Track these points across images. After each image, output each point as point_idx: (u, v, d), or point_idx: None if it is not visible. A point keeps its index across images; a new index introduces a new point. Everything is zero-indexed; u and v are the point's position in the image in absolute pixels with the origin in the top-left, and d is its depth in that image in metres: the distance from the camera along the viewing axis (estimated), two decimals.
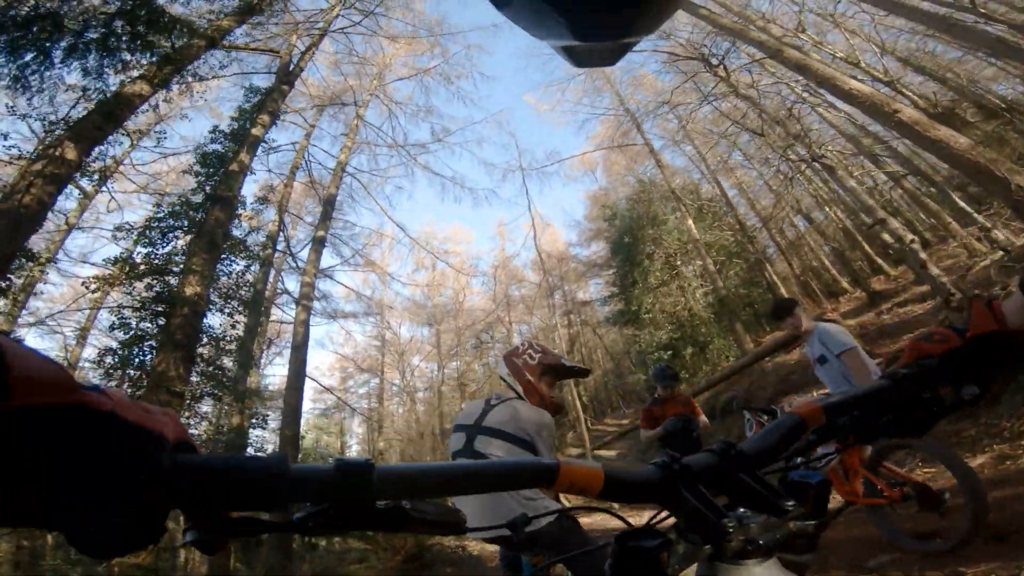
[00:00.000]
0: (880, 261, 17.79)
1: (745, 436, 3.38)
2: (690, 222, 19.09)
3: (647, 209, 21.55)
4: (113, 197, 10.42)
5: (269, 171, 14.02)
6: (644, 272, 20.53)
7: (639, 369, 24.45)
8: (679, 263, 20.76)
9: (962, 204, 13.96)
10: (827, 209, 20.36)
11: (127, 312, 6.80)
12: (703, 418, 4.39)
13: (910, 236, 9.52)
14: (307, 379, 12.93)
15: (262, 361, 18.35)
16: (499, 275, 26.68)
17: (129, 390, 6.39)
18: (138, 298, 6.90)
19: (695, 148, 21.16)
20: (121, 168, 11.69)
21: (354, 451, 32.18)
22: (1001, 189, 5.12)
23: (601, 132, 24.03)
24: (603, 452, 21.14)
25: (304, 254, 13.63)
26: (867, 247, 18.23)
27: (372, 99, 16.39)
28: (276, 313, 16.39)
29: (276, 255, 14.77)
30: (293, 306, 13.00)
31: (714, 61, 11.43)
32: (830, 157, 12.58)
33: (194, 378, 7.73)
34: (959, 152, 5.37)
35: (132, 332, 6.69)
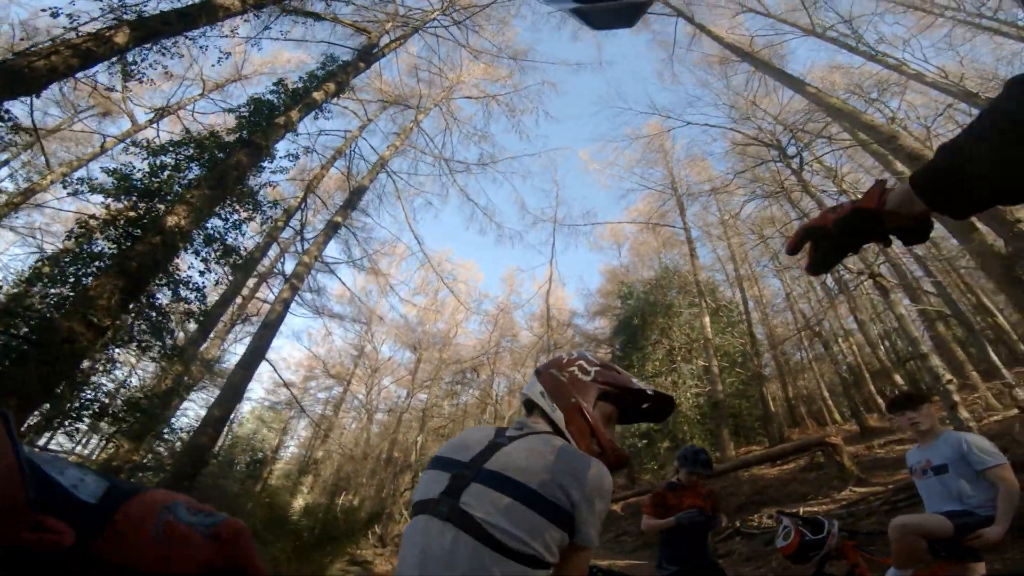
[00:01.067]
0: (880, 400, 17.65)
1: (776, 544, 3.16)
2: (706, 320, 18.76)
3: (663, 297, 21.38)
4: (159, 135, 9.70)
5: (312, 150, 13.67)
6: (644, 358, 20.27)
7: None
8: (679, 359, 20.41)
9: (994, 357, 13.44)
10: (850, 338, 20.07)
11: (94, 223, 5.79)
12: (723, 517, 3.64)
13: (947, 376, 9.18)
14: (265, 363, 11.84)
15: (229, 336, 17.21)
16: (499, 320, 25.82)
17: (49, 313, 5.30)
18: (112, 212, 5.91)
19: (728, 247, 20.88)
20: (180, 113, 11.15)
21: (290, 451, 30.43)
22: None
23: (641, 208, 23.99)
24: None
25: (314, 239, 12.87)
26: (871, 385, 17.99)
27: (434, 109, 16.31)
28: (264, 292, 15.45)
29: (286, 236, 14.00)
30: (282, 283, 12.01)
31: (789, 151, 10.99)
32: (886, 277, 12.01)
33: (131, 319, 6.65)
34: None
35: (85, 248, 5.66)
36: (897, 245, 17.19)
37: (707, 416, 17.98)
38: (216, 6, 6.78)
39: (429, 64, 15.27)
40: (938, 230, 16.90)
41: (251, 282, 13.82)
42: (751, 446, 18.65)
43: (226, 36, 8.92)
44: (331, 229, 12.19)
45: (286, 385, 17.77)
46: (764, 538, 8.02)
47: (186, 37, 7.24)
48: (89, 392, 6.93)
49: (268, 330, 10.89)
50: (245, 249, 8.69)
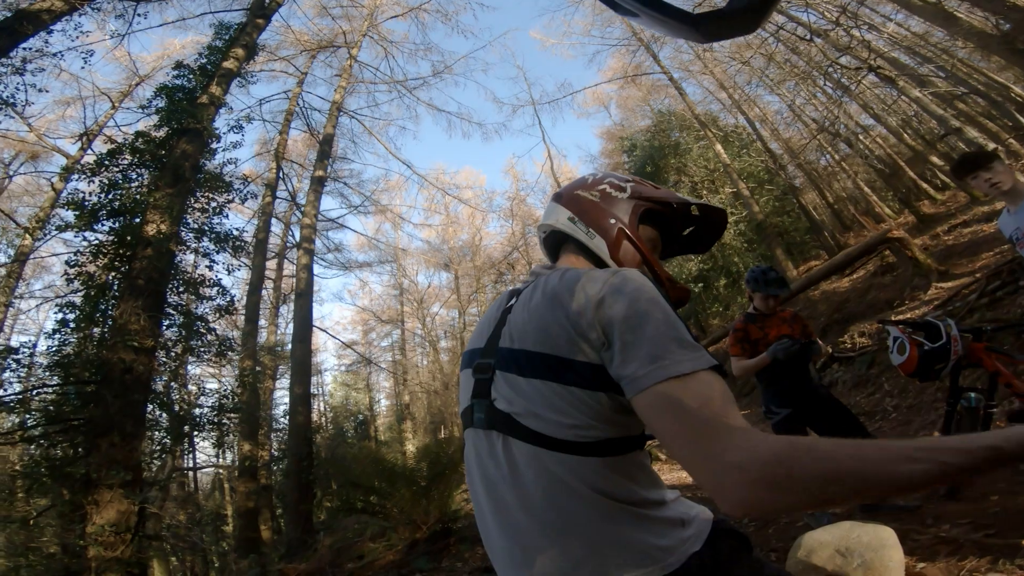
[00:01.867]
0: (925, 185, 17.08)
1: (893, 361, 2.60)
2: (719, 147, 18.10)
3: (667, 140, 20.77)
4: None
5: (264, 121, 13.32)
6: None
7: None
8: (705, 192, 20.03)
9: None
10: (870, 133, 18.86)
11: (82, 259, 5.99)
12: (820, 343, 3.18)
13: (992, 145, 8.38)
14: (319, 331, 12.46)
15: (279, 319, 18.04)
16: (516, 211, 25.63)
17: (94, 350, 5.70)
18: (94, 242, 6.07)
19: (714, 77, 19.57)
20: (106, 132, 10.96)
21: (383, 405, 32.49)
22: None
23: (614, 65, 23.03)
24: None
25: (306, 200, 12.90)
26: (910, 171, 17.06)
27: (365, 40, 15.31)
28: (288, 269, 15.87)
29: (283, 208, 14.04)
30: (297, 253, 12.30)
31: None
32: (888, 67, 10.84)
33: (170, 332, 7.02)
34: None
35: (94, 283, 5.90)
36: (885, 40, 15.13)
37: (754, 241, 17.75)
38: (35, 12, 6.17)
39: (338, 0, 14.18)
40: (918, 25, 14.77)
41: (272, 264, 14.23)
42: (810, 262, 18.26)
43: (88, 42, 8.38)
44: (317, 185, 12.13)
45: (348, 346, 18.76)
46: (864, 360, 7.13)
47: (25, 49, 6.78)
48: (176, 407, 7.57)
49: (303, 299, 11.30)
50: (240, 231, 8.83)
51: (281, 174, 12.49)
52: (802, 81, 18.30)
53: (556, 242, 1.11)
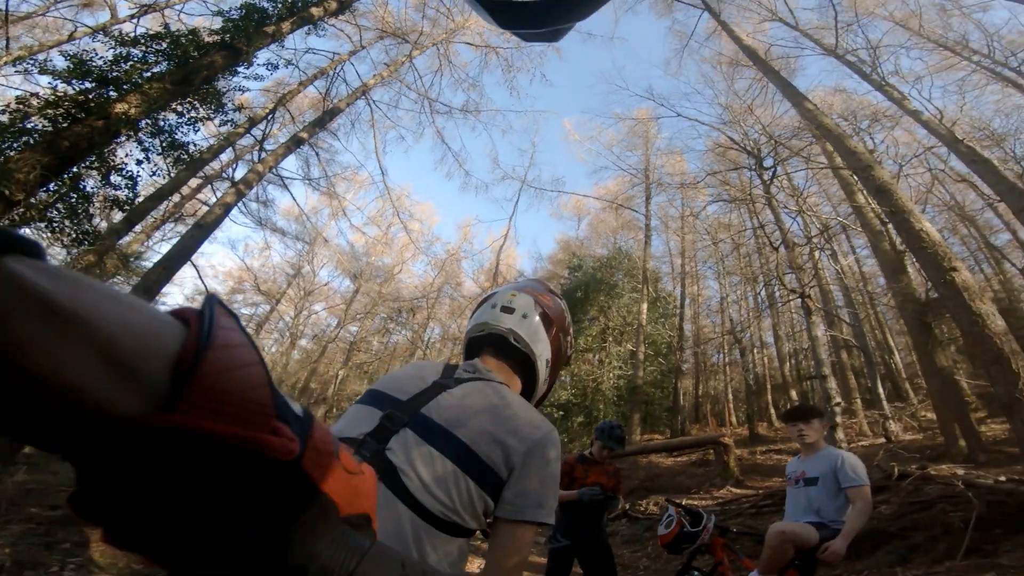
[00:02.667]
0: (772, 411, 19.43)
1: (659, 530, 3.26)
2: (644, 306, 19.42)
3: (609, 277, 21.87)
4: (136, 30, 8.46)
5: (295, 65, 12.46)
6: (579, 332, 20.68)
7: None
8: (611, 339, 21.10)
9: (880, 390, 14.88)
10: (763, 351, 21.55)
11: (35, 101, 4.89)
12: (621, 499, 3.75)
13: (837, 399, 10.18)
14: (191, 267, 11.02)
15: (157, 233, 15.81)
16: (446, 266, 25.39)
17: None
18: (57, 94, 5.02)
19: (681, 242, 21.61)
20: (166, 12, 9.68)
21: None
22: (1005, 384, 4.87)
23: (609, 187, 24.30)
24: None
25: (273, 151, 11.89)
26: (770, 395, 19.64)
27: (431, 48, 15.37)
28: (207, 195, 14.22)
29: (246, 143, 12.80)
30: (227, 188, 11.05)
31: (766, 163, 11.23)
32: (813, 300, 12.80)
33: (49, 199, 5.88)
34: (991, 333, 5.10)
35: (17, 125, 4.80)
36: (829, 273, 18.71)
37: (624, 399, 18.78)
38: None
39: (439, 1, 14.27)
40: (870, 267, 18.32)
41: (195, 183, 12.67)
42: (655, 434, 19.77)
43: None
44: (294, 143, 11.27)
45: (209, 294, 16.58)
46: (646, 523, 8.38)
47: None
48: None
49: (201, 231, 10.02)
50: (196, 147, 7.83)
51: (270, 117, 11.51)
52: (745, 282, 20.71)
53: (486, 342, 1.17)
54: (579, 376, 19.69)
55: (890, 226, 7.28)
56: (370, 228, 23.33)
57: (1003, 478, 5.57)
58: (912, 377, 15.82)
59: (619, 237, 24.12)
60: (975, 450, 8.10)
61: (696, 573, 3.08)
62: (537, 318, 1.15)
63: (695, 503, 9.00)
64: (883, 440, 12.56)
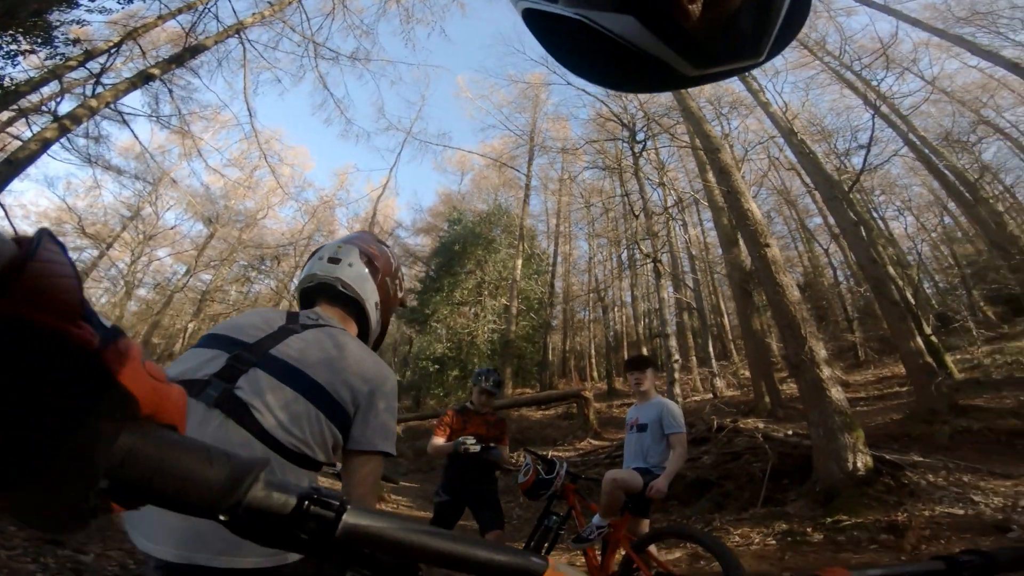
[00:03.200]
0: None
1: (518, 479, 3.48)
2: (519, 262, 19.93)
3: (488, 232, 22.07)
4: None
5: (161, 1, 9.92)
6: (455, 284, 20.88)
7: (399, 370, 24.40)
8: (486, 293, 21.51)
9: (711, 349, 17.26)
10: (623, 310, 23.61)
11: None
12: (506, 450, 3.60)
13: (676, 356, 11.43)
14: None
15: None
16: (318, 213, 23.55)
17: None
18: None
19: (558, 203, 22.42)
20: None
21: None
22: (795, 347, 5.69)
23: (496, 146, 24.37)
24: None
25: (114, 85, 9.70)
26: (626, 352, 21.81)
27: None
28: (20, 129, 11.34)
29: (80, 75, 10.23)
30: (49, 122, 8.96)
31: (639, 137, 11.84)
32: (664, 265, 14.20)
33: None
34: (788, 301, 5.97)
35: None
36: (680, 241, 20.92)
37: (497, 353, 19.37)
38: None
39: None
40: (713, 239, 20.68)
41: (6, 115, 10.02)
42: (526, 388, 20.74)
43: None
44: (141, 79, 9.32)
45: (42, 228, 13.59)
46: (517, 475, 9.13)
47: None
48: None
49: (9, 167, 8.13)
50: (11, 80, 6.27)
51: (114, 51, 9.26)
52: (611, 244, 22.18)
53: (322, 290, 1.27)
54: (454, 329, 19.95)
55: (732, 213, 8.17)
56: (232, 170, 20.59)
57: (791, 432, 6.78)
58: (736, 339, 18.29)
59: (500, 194, 24.38)
60: (776, 406, 9.78)
61: (555, 516, 3.28)
62: (363, 266, 1.26)
63: (559, 455, 9.67)
64: (711, 395, 14.61)
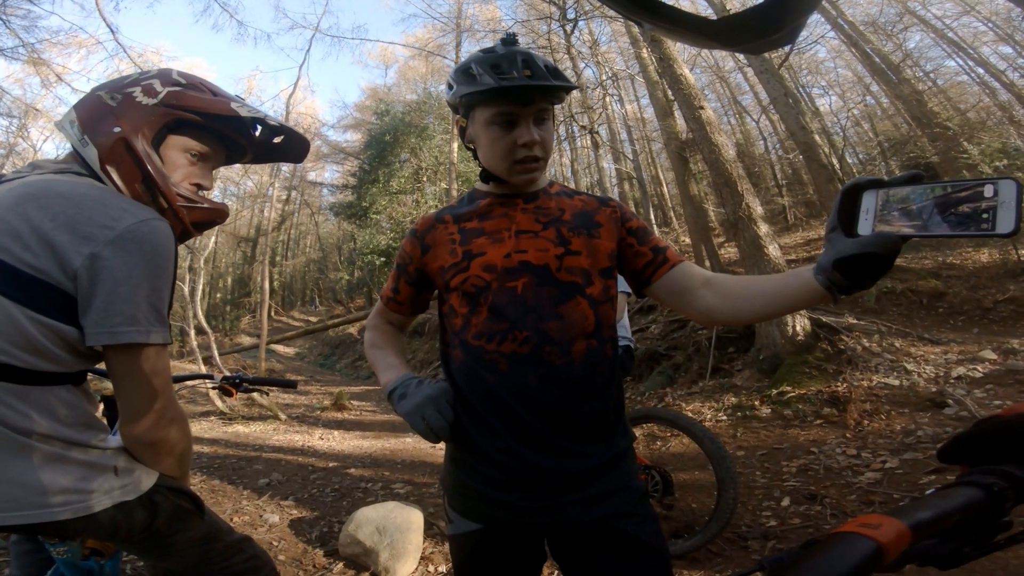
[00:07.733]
0: None
1: None
2: (455, 145, 19.02)
3: (420, 120, 21.09)
4: None
5: None
6: (391, 174, 20.37)
7: (345, 268, 24.09)
8: (425, 179, 20.85)
9: (652, 217, 17.77)
10: (564, 183, 23.83)
11: None
12: None
13: None
14: None
15: None
16: None
17: None
18: None
19: None
20: None
21: None
22: (732, 205, 5.83)
23: (420, 36, 22.74)
24: (280, 348, 19.62)
25: None
26: None
27: None
28: None
29: None
30: None
31: (570, 14, 11.01)
32: (601, 136, 14.24)
33: None
34: (724, 160, 6.02)
35: None
36: (619, 116, 20.38)
37: None
38: None
39: None
40: (650, 114, 20.26)
41: None
42: None
43: None
44: None
45: None
46: None
47: None
48: None
49: None
50: None
51: None
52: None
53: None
54: (396, 219, 19.64)
55: (665, 80, 7.85)
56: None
57: None
58: (676, 206, 18.78)
59: (429, 83, 23.43)
60: (716, 270, 10.23)
61: None
62: (77, 121, 0.93)
63: None
64: None
